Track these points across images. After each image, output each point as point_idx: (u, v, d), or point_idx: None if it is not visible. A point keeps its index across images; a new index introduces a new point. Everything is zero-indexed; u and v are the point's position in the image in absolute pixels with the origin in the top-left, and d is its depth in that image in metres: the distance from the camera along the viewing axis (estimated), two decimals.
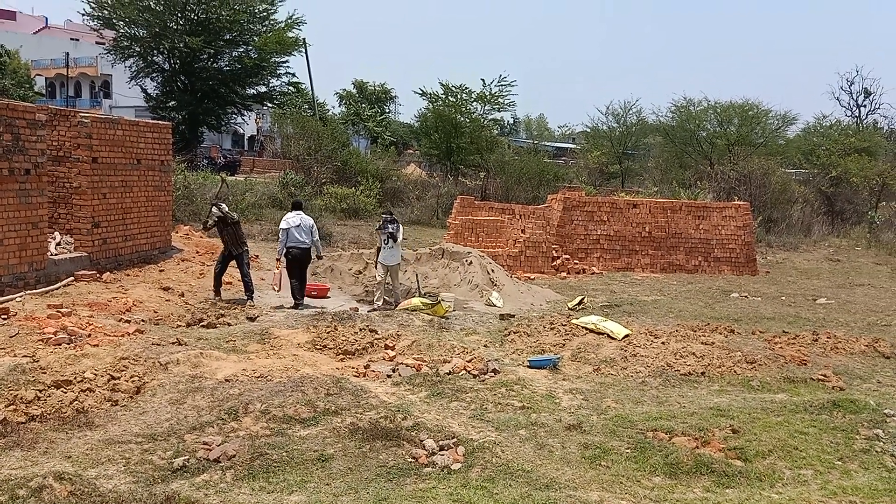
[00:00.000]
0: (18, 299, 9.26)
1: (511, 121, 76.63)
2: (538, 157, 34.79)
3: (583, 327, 10.21)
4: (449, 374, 8.25)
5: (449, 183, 31.98)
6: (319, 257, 12.75)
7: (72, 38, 71.52)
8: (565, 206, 18.64)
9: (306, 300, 12.29)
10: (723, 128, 38.60)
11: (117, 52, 40.93)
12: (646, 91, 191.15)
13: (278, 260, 12.14)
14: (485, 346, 9.90)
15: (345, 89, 65.75)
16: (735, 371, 8.81)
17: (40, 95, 50.81)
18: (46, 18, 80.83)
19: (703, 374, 8.69)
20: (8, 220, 9.74)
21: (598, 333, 9.96)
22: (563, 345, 9.71)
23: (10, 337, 7.65)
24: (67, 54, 62.58)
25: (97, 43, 54.66)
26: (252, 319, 10.75)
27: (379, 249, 12.56)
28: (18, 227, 9.92)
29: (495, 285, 13.67)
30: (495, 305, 12.75)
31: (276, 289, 12.13)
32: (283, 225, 12.08)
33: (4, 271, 9.73)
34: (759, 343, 10.04)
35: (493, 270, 14.20)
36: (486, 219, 18.72)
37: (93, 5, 38.83)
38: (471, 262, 14.16)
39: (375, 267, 12.93)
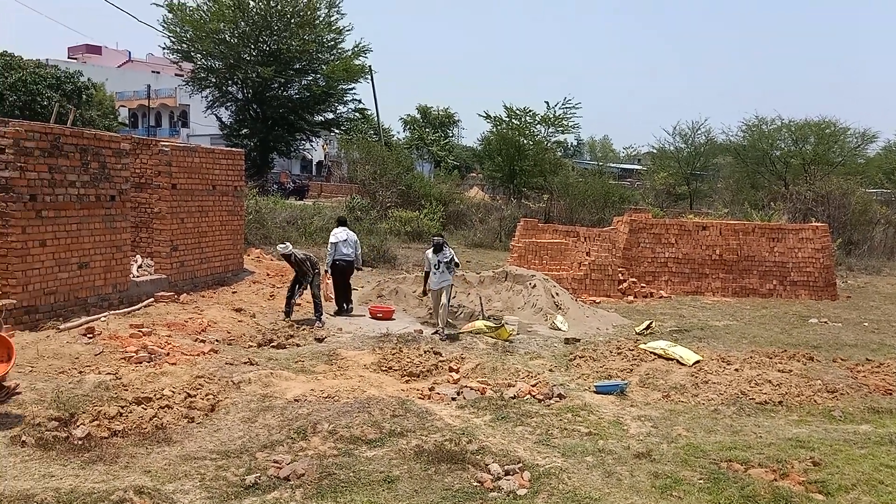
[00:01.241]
0: (103, 319, 9.71)
1: (575, 143, 76.28)
2: (603, 178, 34.47)
3: (651, 352, 10.00)
4: (514, 398, 8.21)
5: (512, 205, 31.97)
6: (359, 269, 13.97)
7: (153, 71, 75.13)
8: (632, 228, 18.37)
9: (371, 322, 12.50)
10: (798, 147, 37.38)
11: (195, 83, 42.77)
12: (714, 110, 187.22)
13: (326, 272, 13.08)
14: (550, 370, 9.81)
15: (409, 114, 66.92)
16: (815, 400, 8.46)
17: (123, 125, 53.45)
18: (130, 52, 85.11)
19: (780, 403, 8.38)
20: (94, 244, 10.26)
21: (668, 359, 9.74)
22: (631, 370, 9.54)
23: (95, 355, 8.04)
24: (149, 86, 65.71)
25: (176, 75, 57.33)
26: (320, 340, 10.97)
27: (427, 274, 12.00)
28: (104, 251, 10.43)
29: (560, 309, 13.55)
30: (560, 329, 12.63)
31: (328, 299, 13.00)
32: (332, 239, 13.26)
33: (90, 292, 10.23)
34: (841, 371, 9.63)
35: (557, 294, 14.08)
36: (550, 241, 18.61)
37: (173, 39, 40.75)
38: (535, 286, 14.08)
39: (424, 294, 12.54)
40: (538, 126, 36.23)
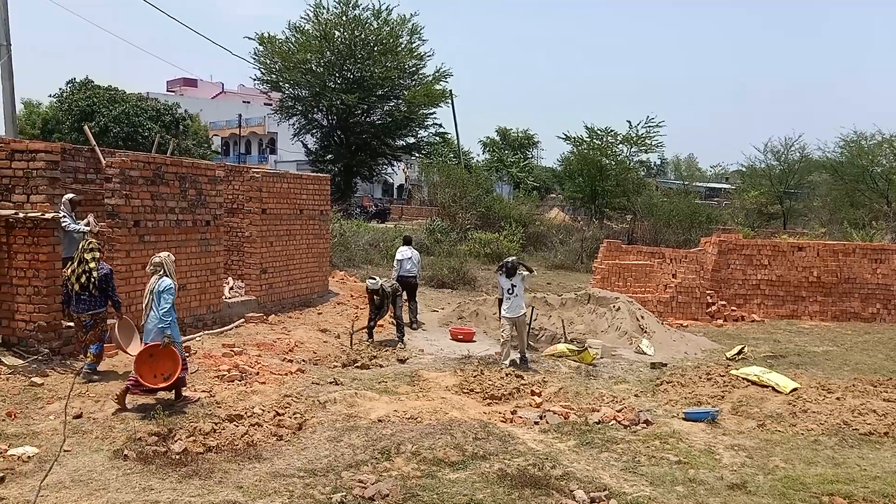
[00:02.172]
0: (198, 339, 10.15)
1: (658, 162, 74.70)
2: (689, 198, 33.58)
3: (744, 379, 9.61)
4: (598, 423, 8.05)
5: (594, 226, 31.57)
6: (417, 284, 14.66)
7: (244, 101, 78.55)
8: (721, 249, 17.78)
9: (452, 343, 12.57)
10: None
11: (283, 111, 44.48)
12: (807, 125, 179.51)
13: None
14: (635, 395, 9.56)
15: (488, 137, 67.32)
16: None
17: (216, 153, 56.06)
18: (223, 84, 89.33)
19: (886, 434, 7.88)
20: (191, 267, 10.76)
21: (762, 386, 9.33)
22: (722, 397, 9.18)
23: (191, 373, 8.39)
24: (240, 115, 68.71)
25: (265, 104, 59.71)
26: (402, 361, 11.09)
27: (500, 301, 11.18)
28: (199, 273, 10.93)
29: (645, 332, 13.22)
30: (646, 353, 12.31)
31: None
32: (398, 256, 14.24)
33: (187, 313, 10.72)
34: None
35: (642, 317, 13.75)
36: (635, 263, 18.23)
37: (263, 70, 42.61)
38: (618, 308, 13.80)
39: (499, 320, 11.52)
40: (620, 146, 35.75)
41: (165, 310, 7.36)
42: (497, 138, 66.55)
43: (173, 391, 7.55)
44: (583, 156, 35.29)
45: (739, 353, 12.29)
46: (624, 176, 34.30)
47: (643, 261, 18.59)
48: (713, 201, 46.00)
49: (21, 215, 8.20)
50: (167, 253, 7.86)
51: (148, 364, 7.32)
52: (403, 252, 14.25)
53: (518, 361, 10.84)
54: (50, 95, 41.40)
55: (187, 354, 9.20)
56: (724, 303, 17.34)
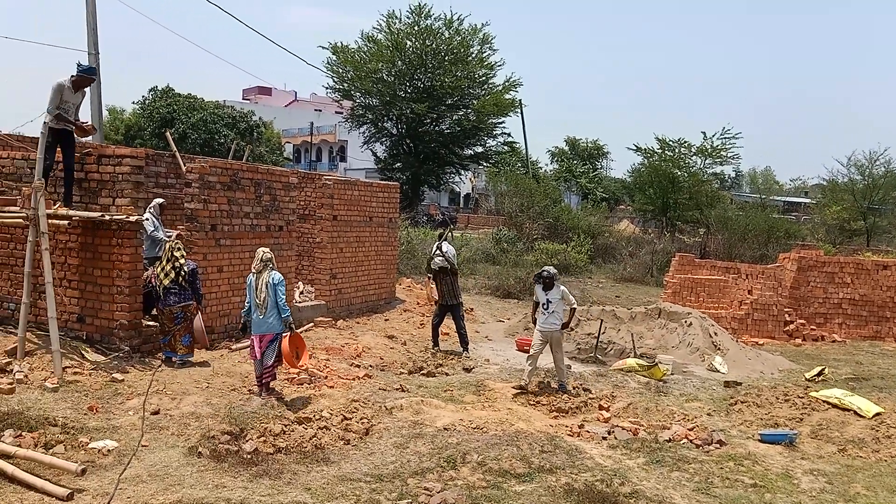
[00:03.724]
0: None
1: (733, 174, 72.56)
2: (766, 212, 32.44)
3: (824, 401, 9.18)
4: (669, 441, 7.85)
5: (665, 239, 30.85)
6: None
7: (315, 109, 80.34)
8: (800, 265, 17.09)
9: (518, 354, 12.47)
10: None
11: (353, 119, 45.28)
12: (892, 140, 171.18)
13: (429, 278, 13.62)
14: (708, 414, 9.27)
15: (557, 146, 66.78)
16: None
17: (288, 160, 57.43)
18: (296, 93, 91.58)
19: None
20: None
21: (843, 409, 8.90)
22: (801, 419, 8.80)
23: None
24: (312, 123, 70.27)
25: (336, 112, 60.94)
26: (468, 370, 11.07)
27: (535, 308, 10.00)
28: None
29: (718, 349, 12.81)
30: (719, 371, 11.93)
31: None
32: (436, 251, 14.08)
33: None
34: None
35: (715, 333, 13.34)
36: (708, 278, 17.72)
37: (335, 79, 43.49)
38: (690, 324, 13.42)
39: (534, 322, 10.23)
40: (694, 157, 34.90)
41: (283, 301, 7.89)
42: (566, 148, 65.99)
43: (259, 385, 7.95)
44: (654, 167, 34.58)
45: (819, 374, 11.75)
46: (697, 188, 33.41)
47: (717, 276, 18.06)
48: (792, 216, 44.26)
49: (107, 217, 8.57)
50: (269, 250, 8.28)
51: (289, 353, 7.92)
52: (441, 246, 14.60)
53: (563, 385, 9.61)
54: (133, 102, 43.32)
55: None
56: (802, 321, 16.65)
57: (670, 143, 35.10)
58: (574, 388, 9.73)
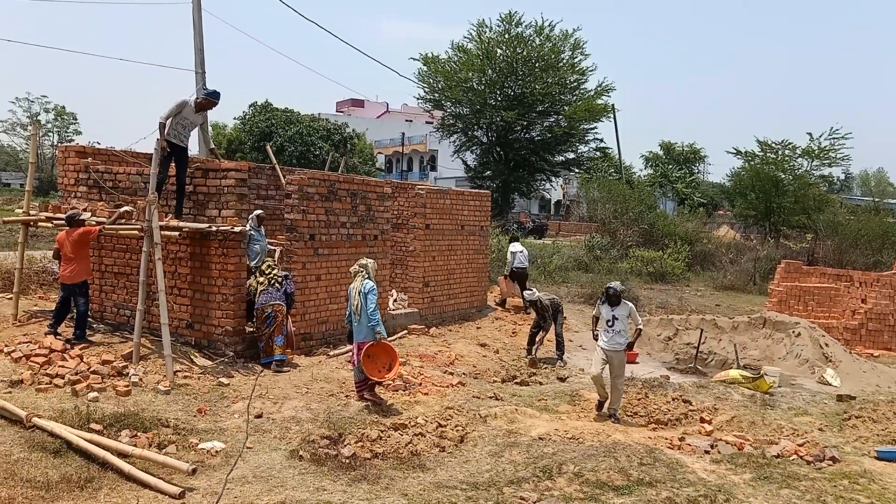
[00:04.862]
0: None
1: (843, 177, 68.51)
2: (880, 216, 30.41)
3: None
4: (777, 456, 7.47)
5: (769, 246, 29.46)
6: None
7: (406, 120, 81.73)
8: None
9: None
10: None
11: (444, 129, 45.75)
12: None
13: (505, 277, 15.61)
14: (819, 429, 8.77)
15: (651, 151, 65.12)
16: None
17: (380, 170, 58.63)
18: (387, 104, 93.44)
19: None
20: None
21: None
22: None
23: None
24: (403, 134, 71.51)
25: (427, 122, 61.73)
26: (562, 380, 10.93)
27: (596, 321, 9.22)
28: None
29: (830, 361, 12.12)
30: (830, 384, 11.29)
31: (512, 295, 15.24)
32: (511, 250, 16.07)
33: None
34: None
35: (826, 344, 12.62)
36: (817, 286, 16.79)
37: (426, 90, 44.11)
38: (798, 334, 12.77)
39: (595, 339, 9.21)
40: (799, 159, 33.22)
41: (372, 309, 7.99)
42: (660, 153, 64.29)
43: (365, 391, 8.15)
44: (756, 170, 33.10)
45: None
46: (804, 192, 31.74)
47: (827, 283, 17.08)
48: None
49: (213, 228, 8.99)
50: (372, 260, 8.50)
51: (370, 362, 8.03)
52: (515, 247, 16.07)
53: (612, 412, 8.72)
54: (234, 118, 45.28)
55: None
56: None
57: (773, 145, 33.56)
58: (674, 399, 9.42)
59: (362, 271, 8.23)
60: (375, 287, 8.18)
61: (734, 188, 38.06)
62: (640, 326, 9.04)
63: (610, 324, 8.73)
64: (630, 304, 8.93)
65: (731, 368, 11.58)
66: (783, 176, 32.52)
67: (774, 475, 6.90)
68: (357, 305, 8.06)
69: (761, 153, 33.94)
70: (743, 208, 35.22)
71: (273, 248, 11.54)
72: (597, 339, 8.97)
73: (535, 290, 12.53)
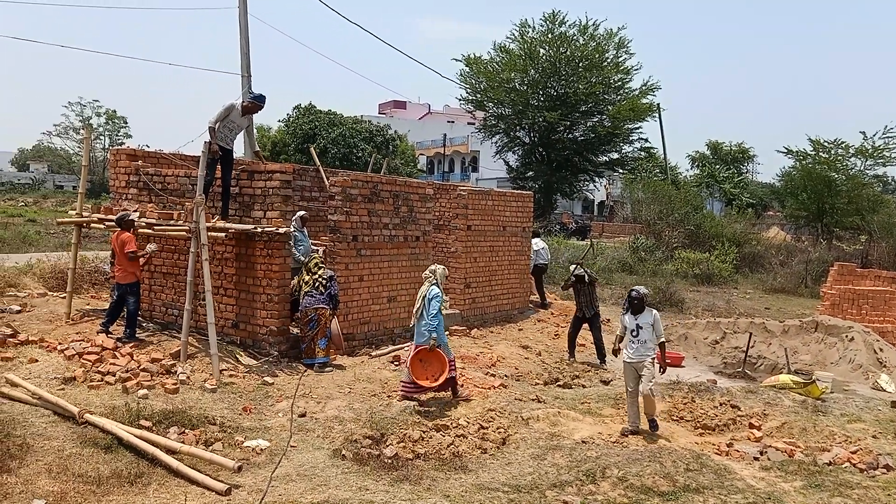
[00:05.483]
0: (406, 348, 10.60)
1: None
2: None
3: None
4: (829, 464, 7.26)
5: (821, 247, 28.67)
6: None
7: (448, 121, 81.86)
8: None
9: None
10: None
11: (486, 130, 45.66)
12: None
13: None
14: (873, 436, 8.46)
15: (698, 151, 63.95)
16: None
17: (421, 172, 58.85)
18: (429, 105, 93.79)
19: None
20: (401, 280, 11.32)
21: None
22: None
23: (401, 381, 8.79)
24: (445, 135, 71.66)
25: (469, 123, 61.70)
26: (606, 383, 10.79)
27: (621, 338, 8.55)
28: (409, 286, 11.44)
29: (885, 367, 11.72)
30: (886, 390, 10.92)
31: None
32: (534, 248, 15.74)
33: (397, 324, 11.28)
34: None
35: (881, 349, 12.22)
36: (872, 289, 16.25)
37: (468, 90, 44.09)
38: (852, 339, 12.38)
39: (615, 354, 8.95)
40: (853, 159, 32.25)
41: (432, 315, 8.21)
42: (707, 152, 63.08)
43: (450, 390, 8.38)
44: (807, 170, 32.27)
45: None
46: (857, 192, 30.80)
47: (882, 287, 16.53)
48: None
49: (259, 230, 9.12)
50: (442, 266, 8.79)
51: (420, 367, 8.20)
52: (537, 243, 16.10)
53: (632, 427, 7.97)
54: (279, 120, 45.98)
55: (397, 363, 9.67)
56: None
57: (825, 144, 32.67)
58: (722, 404, 9.21)
59: (431, 276, 8.48)
60: (441, 294, 8.39)
61: (785, 188, 37.18)
62: (663, 340, 8.26)
63: (634, 334, 8.10)
64: (655, 311, 8.24)
65: (781, 373, 11.27)
66: (836, 176, 31.67)
67: (826, 483, 6.70)
68: (418, 309, 8.34)
69: (813, 152, 33.10)
70: (794, 209, 34.38)
71: (316, 248, 11.65)
72: (616, 355, 8.60)
73: (576, 265, 12.40)
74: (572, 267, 12.32)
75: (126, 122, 66.07)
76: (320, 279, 9.46)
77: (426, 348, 8.14)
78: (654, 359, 8.03)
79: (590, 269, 12.61)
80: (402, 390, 8.25)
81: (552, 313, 15.76)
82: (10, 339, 8.74)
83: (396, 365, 9.59)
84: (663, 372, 8.22)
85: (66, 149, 68.26)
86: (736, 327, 13.57)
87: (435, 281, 8.39)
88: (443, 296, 8.51)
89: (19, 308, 10.33)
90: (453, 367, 8.37)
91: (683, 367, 12.39)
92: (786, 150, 34.63)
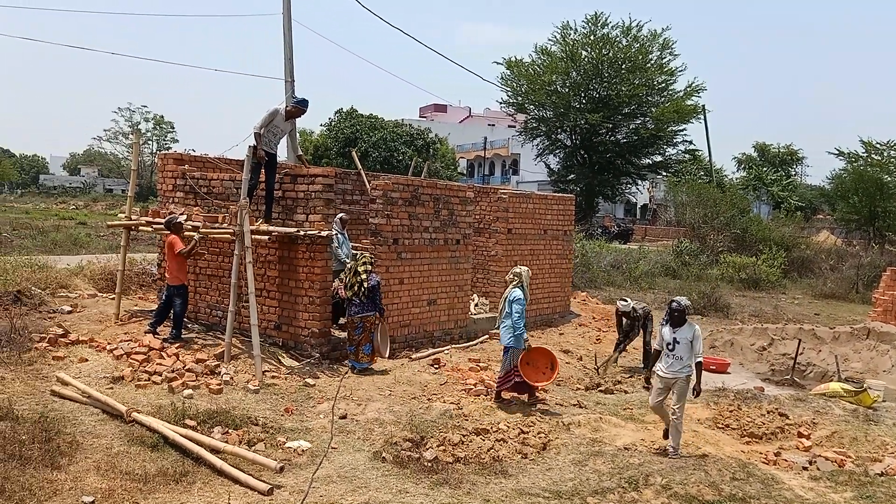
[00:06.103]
0: (446, 352, 10.62)
1: None
2: None
3: None
4: (880, 475, 7.04)
5: (873, 252, 27.82)
6: None
7: (489, 124, 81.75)
8: None
9: (703, 374, 11.72)
10: None
11: (527, 132, 45.48)
12: None
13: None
14: None
15: (744, 153, 62.74)
16: None
17: (462, 175, 58.78)
18: (470, 108, 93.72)
19: None
20: (441, 283, 11.33)
21: None
22: None
23: (441, 385, 8.81)
24: (485, 138, 71.54)
25: (509, 126, 61.53)
26: (649, 389, 10.60)
27: (657, 354, 7.81)
28: (448, 290, 11.46)
29: None
30: None
31: None
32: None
33: (436, 327, 11.29)
34: None
35: None
36: None
37: (509, 93, 43.99)
38: None
39: (647, 384, 9.09)
40: None
41: (516, 318, 8.42)
42: (754, 154, 61.80)
43: (526, 394, 8.60)
44: (859, 173, 31.39)
45: None
46: None
47: None
48: None
49: (301, 233, 9.22)
50: (526, 268, 8.92)
51: (530, 370, 8.51)
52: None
53: (674, 448, 7.34)
54: (321, 124, 46.50)
55: (437, 366, 9.67)
56: None
57: (878, 145, 31.76)
58: (769, 413, 8.99)
59: (515, 279, 8.62)
60: (523, 297, 8.53)
61: (835, 191, 36.25)
62: (700, 359, 7.49)
63: (670, 347, 7.47)
64: (697, 327, 7.59)
65: (831, 381, 10.95)
66: (888, 178, 30.72)
67: (878, 494, 6.49)
68: (500, 310, 8.62)
69: (865, 154, 32.22)
70: (845, 212, 33.47)
71: (363, 251, 11.69)
72: (648, 383, 8.65)
73: (629, 300, 12.02)
74: (620, 304, 11.75)
75: (173, 127, 67.79)
76: (363, 286, 9.20)
77: (528, 351, 8.47)
78: (689, 376, 7.40)
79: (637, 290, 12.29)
80: (497, 387, 8.52)
81: (594, 318, 15.59)
82: (62, 339, 9.00)
83: (436, 368, 9.59)
84: (697, 395, 7.54)
85: (115, 153, 70.28)
86: (784, 333, 13.23)
87: (519, 283, 8.53)
88: (527, 297, 8.65)
89: (70, 308, 10.63)
90: (518, 373, 8.46)
91: (729, 373, 12.13)
92: (837, 152, 33.86)
